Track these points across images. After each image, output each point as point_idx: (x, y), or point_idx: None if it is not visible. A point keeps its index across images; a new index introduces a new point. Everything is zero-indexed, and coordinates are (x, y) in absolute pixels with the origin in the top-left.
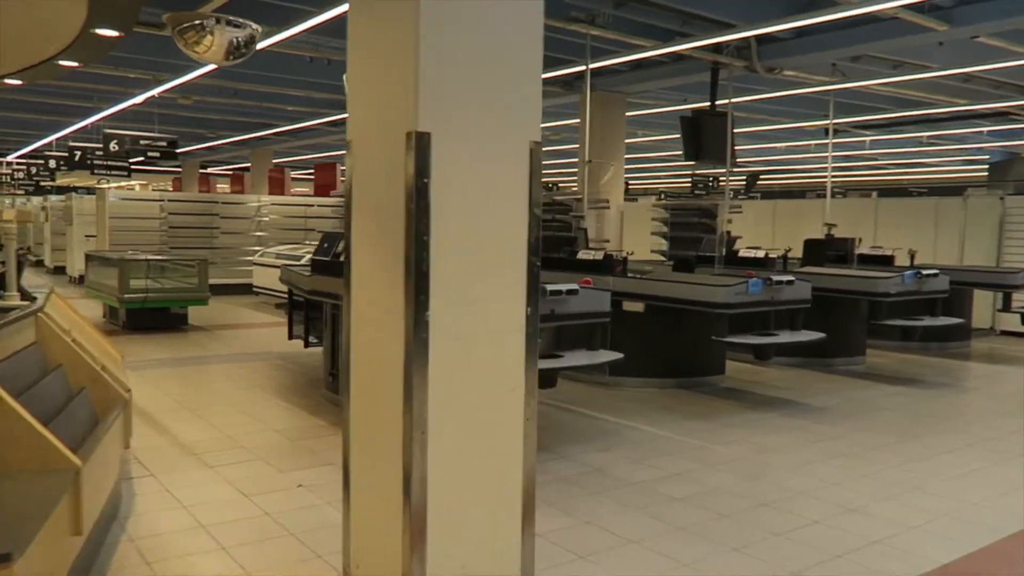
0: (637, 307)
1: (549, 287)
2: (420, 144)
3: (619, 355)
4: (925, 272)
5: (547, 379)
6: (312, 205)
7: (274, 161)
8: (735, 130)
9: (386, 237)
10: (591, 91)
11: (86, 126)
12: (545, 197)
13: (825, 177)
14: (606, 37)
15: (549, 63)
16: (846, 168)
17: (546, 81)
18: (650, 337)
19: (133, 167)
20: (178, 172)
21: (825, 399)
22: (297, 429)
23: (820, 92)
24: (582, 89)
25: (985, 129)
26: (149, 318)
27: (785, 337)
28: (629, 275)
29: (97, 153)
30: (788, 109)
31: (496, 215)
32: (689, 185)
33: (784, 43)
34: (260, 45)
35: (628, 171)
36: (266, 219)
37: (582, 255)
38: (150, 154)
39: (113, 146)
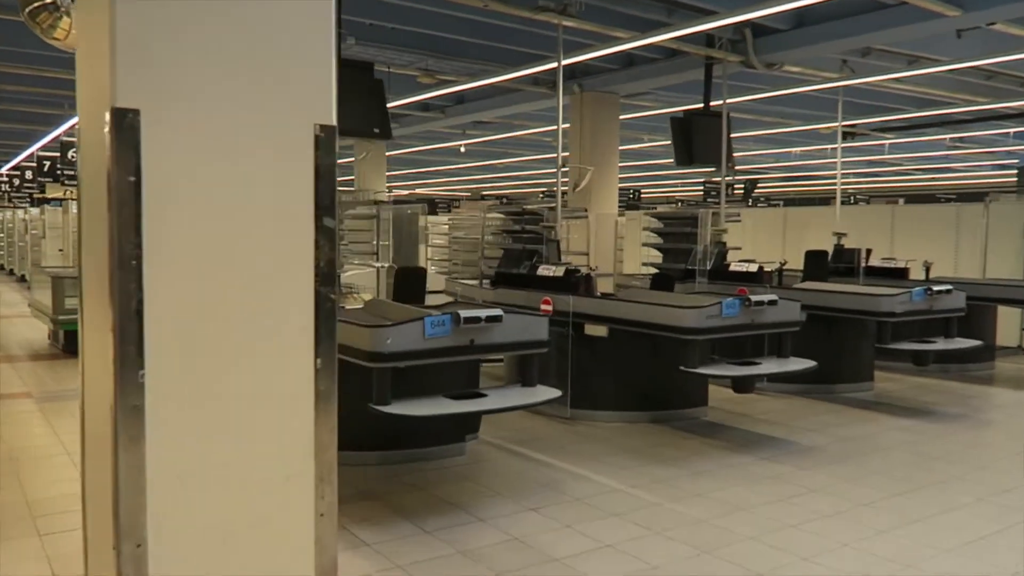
0: (600, 331)
1: (463, 313)
2: (123, 126)
3: (557, 392)
4: (937, 288)
5: (471, 424)
6: None
7: None
8: (741, 133)
9: (97, 260)
10: (580, 91)
11: (60, 135)
12: (515, 205)
13: (844, 183)
14: (582, 29)
15: (521, 59)
16: (869, 174)
17: (522, 80)
18: (620, 365)
19: None
20: None
21: (817, 437)
22: None
23: (829, 90)
24: (568, 88)
25: (1011, 130)
26: None
27: (770, 367)
28: (614, 294)
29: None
30: (801, 111)
31: (261, 228)
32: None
33: (782, 35)
34: None
35: (641, 179)
36: None
37: (542, 271)
38: None
39: (72, 155)
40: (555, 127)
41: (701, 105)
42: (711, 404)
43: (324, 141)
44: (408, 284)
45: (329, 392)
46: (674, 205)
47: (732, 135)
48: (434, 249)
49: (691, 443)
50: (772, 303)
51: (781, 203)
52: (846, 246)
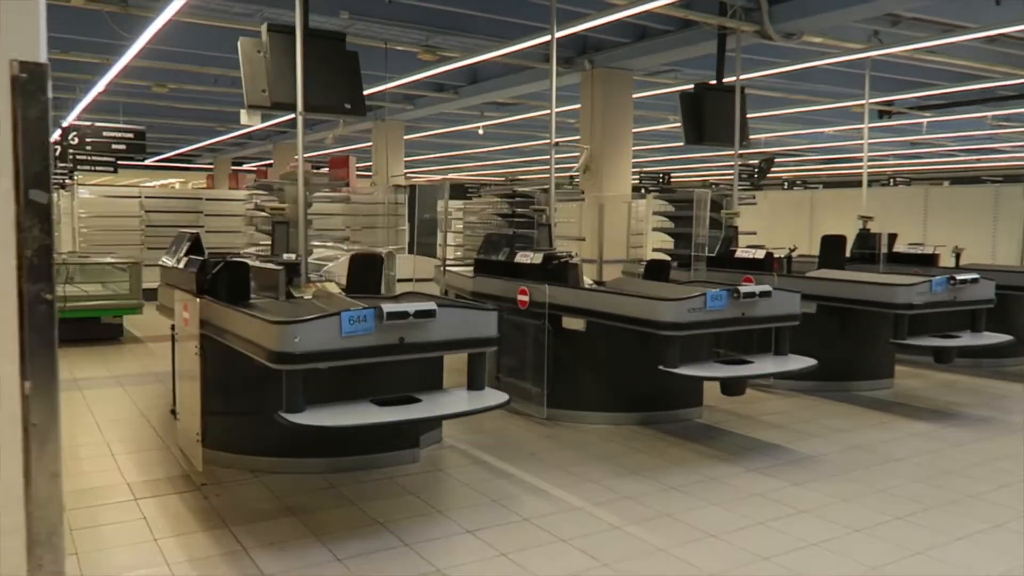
0: (577, 325)
1: (387, 307)
2: None
3: (504, 396)
4: (961, 277)
5: (408, 432)
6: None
7: (295, 156)
8: (766, 112)
9: None
10: (591, 67)
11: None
12: (506, 188)
13: (883, 165)
14: None
15: (518, 31)
16: (910, 155)
17: (533, 56)
18: (604, 362)
19: (169, 164)
20: (211, 169)
21: (820, 444)
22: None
23: (856, 64)
24: (579, 64)
25: None
26: (75, 329)
27: (764, 366)
28: (602, 284)
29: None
30: (830, 88)
31: None
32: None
33: (801, 0)
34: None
35: (670, 162)
36: (262, 215)
37: (519, 258)
38: (115, 147)
39: (72, 138)
40: (573, 107)
41: (714, 82)
42: (710, 403)
43: (27, 84)
44: (363, 272)
45: (48, 426)
46: (710, 188)
47: (757, 114)
48: (453, 235)
49: (676, 450)
50: (765, 294)
51: (820, 187)
52: (872, 231)
